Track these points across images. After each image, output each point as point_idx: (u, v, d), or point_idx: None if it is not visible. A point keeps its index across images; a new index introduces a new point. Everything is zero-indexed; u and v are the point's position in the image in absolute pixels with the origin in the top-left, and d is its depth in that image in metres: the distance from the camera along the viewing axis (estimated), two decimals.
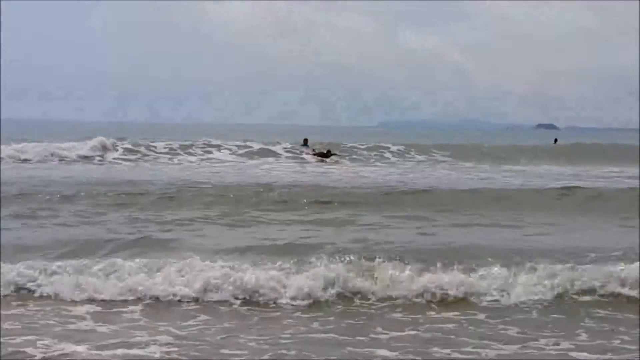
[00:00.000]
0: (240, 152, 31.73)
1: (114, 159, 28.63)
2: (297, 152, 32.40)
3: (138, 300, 8.49)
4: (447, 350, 6.91)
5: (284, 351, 6.85)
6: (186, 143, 32.12)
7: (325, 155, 32.19)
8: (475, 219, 13.74)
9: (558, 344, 7.15)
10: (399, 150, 34.46)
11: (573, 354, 6.92)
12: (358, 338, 7.23)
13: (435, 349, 6.96)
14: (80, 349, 6.80)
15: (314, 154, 32.19)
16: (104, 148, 29.40)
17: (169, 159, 29.54)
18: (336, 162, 31.10)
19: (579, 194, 16.94)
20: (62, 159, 27.65)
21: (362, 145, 35.29)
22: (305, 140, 34.14)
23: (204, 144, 32.41)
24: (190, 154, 30.64)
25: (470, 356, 6.81)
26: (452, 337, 7.31)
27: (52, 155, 27.91)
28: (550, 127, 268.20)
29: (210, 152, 31.27)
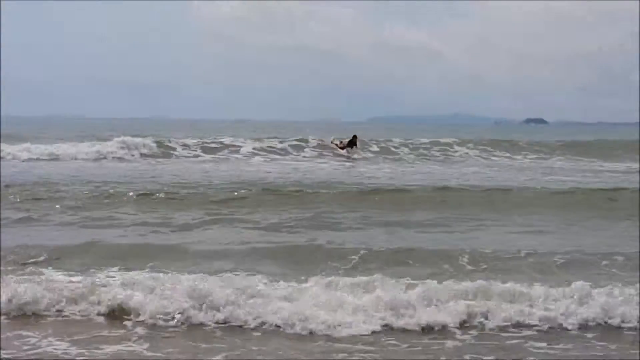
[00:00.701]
0: (270, 148, 31.53)
1: (141, 156, 28.44)
2: (321, 148, 32.24)
3: None
4: None
5: None
6: (217, 140, 32.00)
7: (352, 143, 32.18)
8: None
9: None
10: (469, 147, 34.23)
11: None
12: None
13: None
14: None
15: (341, 147, 32.16)
16: (129, 146, 29.13)
17: (211, 156, 29.28)
18: (353, 153, 31.15)
19: None
20: (98, 158, 27.51)
21: (407, 140, 35.09)
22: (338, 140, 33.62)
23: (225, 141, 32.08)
24: (230, 150, 30.70)
25: None
26: None
27: (86, 154, 27.87)
28: (540, 121, 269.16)
29: (237, 149, 31.09)
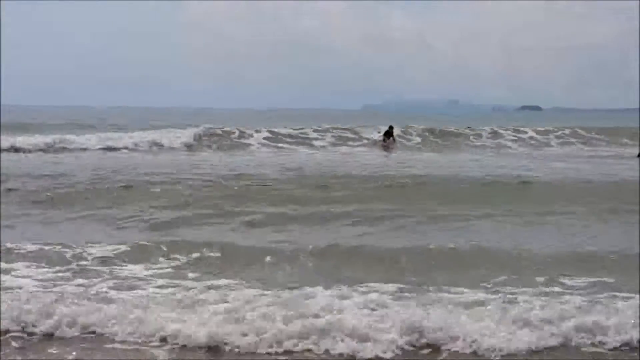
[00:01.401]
0: (328, 139, 31.56)
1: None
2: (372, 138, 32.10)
3: None
4: None
5: None
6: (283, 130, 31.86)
7: (388, 134, 31.85)
8: None
9: None
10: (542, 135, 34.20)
11: None
12: None
13: None
14: None
15: (384, 139, 31.77)
16: (201, 136, 29.31)
17: (288, 147, 29.03)
18: (390, 144, 30.98)
19: None
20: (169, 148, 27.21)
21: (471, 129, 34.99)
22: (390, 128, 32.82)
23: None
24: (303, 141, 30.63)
25: None
26: None
27: (155, 144, 27.67)
28: (535, 108, 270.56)
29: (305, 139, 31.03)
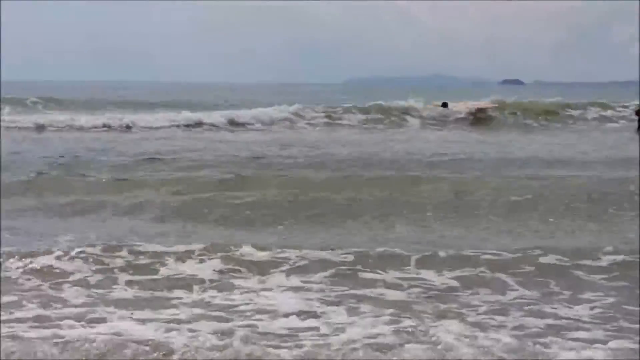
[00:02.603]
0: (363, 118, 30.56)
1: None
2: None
3: None
4: None
5: None
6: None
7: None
8: None
9: None
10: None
11: None
12: None
13: None
14: None
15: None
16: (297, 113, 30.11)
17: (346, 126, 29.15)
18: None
19: None
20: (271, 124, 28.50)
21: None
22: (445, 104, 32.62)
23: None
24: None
25: None
26: None
27: (259, 121, 28.68)
28: (516, 82, 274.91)
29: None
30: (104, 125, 26.70)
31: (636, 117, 29.43)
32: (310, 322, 6.44)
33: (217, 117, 28.87)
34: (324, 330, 6.26)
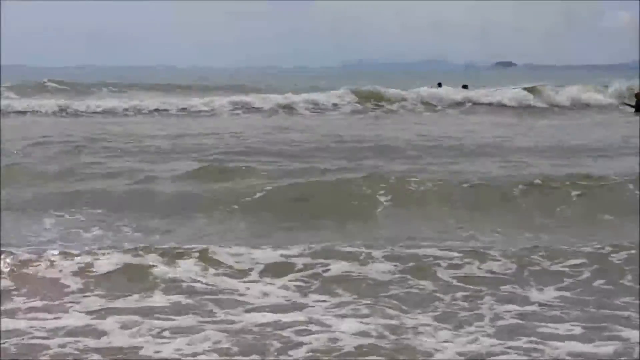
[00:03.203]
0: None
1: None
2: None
3: None
4: None
5: None
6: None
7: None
8: None
9: None
10: None
11: None
12: None
13: None
14: None
15: None
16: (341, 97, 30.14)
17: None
18: None
19: None
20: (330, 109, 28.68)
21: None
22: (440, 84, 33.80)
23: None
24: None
25: None
26: None
27: (315, 105, 29.01)
28: (509, 64, 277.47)
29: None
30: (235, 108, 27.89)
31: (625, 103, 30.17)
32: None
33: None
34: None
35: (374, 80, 35.20)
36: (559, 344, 5.94)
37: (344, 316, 6.46)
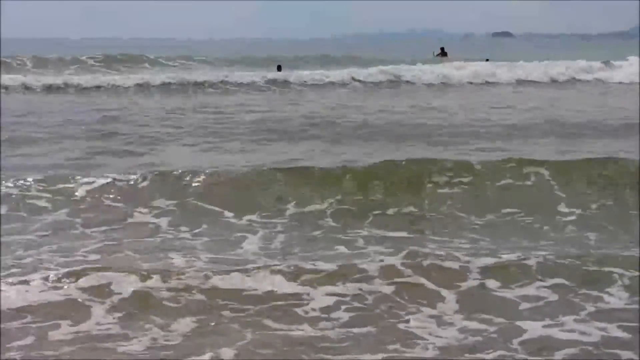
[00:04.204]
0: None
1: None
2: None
3: None
4: None
5: None
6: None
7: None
8: None
9: None
10: None
11: None
12: None
13: None
14: None
15: None
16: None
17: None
18: None
19: None
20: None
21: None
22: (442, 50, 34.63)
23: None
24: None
25: None
26: None
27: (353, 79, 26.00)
28: (506, 34, 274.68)
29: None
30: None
31: None
32: None
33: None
34: None
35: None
36: None
37: None
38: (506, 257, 6.42)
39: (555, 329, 5.19)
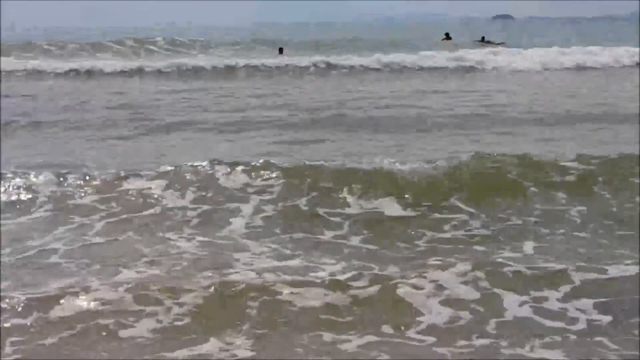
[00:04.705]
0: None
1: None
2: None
3: None
4: None
5: None
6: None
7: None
8: None
9: None
10: None
11: None
12: None
13: None
14: None
15: None
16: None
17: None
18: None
19: None
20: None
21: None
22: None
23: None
24: None
25: None
26: None
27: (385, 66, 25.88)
28: (507, 17, 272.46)
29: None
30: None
31: None
32: None
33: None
34: None
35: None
36: None
37: None
38: None
39: None
